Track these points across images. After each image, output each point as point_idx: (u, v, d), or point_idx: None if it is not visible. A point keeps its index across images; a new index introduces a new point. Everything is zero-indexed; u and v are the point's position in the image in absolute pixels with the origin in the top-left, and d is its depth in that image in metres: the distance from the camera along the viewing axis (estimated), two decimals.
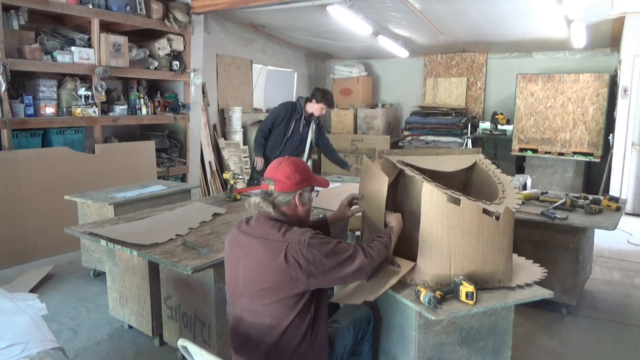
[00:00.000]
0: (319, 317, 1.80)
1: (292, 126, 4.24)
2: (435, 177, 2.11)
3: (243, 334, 1.80)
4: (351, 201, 2.26)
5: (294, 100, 4.25)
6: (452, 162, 2.36)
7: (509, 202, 2.02)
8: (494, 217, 1.95)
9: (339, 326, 1.98)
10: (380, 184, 2.05)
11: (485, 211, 1.92)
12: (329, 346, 1.86)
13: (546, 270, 2.15)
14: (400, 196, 2.23)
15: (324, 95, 4.15)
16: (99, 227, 2.84)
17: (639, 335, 3.04)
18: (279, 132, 4.26)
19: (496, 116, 7.51)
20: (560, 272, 3.13)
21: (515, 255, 2.25)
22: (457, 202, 1.90)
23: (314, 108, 4.18)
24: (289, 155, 4.32)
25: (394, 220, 2.03)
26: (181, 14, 5.59)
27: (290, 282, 1.67)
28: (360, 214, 2.31)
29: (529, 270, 2.16)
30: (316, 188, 1.93)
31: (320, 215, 2.36)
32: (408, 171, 2.11)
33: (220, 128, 7.08)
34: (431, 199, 1.92)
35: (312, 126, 4.33)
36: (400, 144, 8.54)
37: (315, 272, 1.67)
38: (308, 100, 4.22)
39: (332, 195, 3.10)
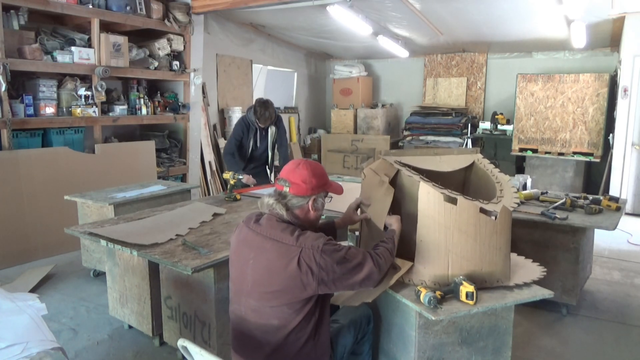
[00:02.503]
0: (323, 319, 1.80)
1: (252, 141, 4.23)
2: (433, 177, 2.11)
3: (246, 333, 1.80)
4: (359, 205, 2.23)
5: (245, 114, 4.23)
6: (450, 162, 2.36)
7: (507, 201, 2.02)
8: (491, 217, 1.94)
9: (339, 326, 1.97)
10: (386, 194, 2.05)
11: (482, 210, 1.92)
12: (330, 346, 1.86)
13: (545, 269, 2.15)
14: (397, 196, 2.22)
15: (255, 110, 4.07)
16: (99, 227, 2.84)
17: (639, 335, 3.04)
18: (244, 148, 4.26)
19: (496, 116, 7.51)
20: (560, 272, 3.13)
21: (514, 255, 2.26)
22: (454, 201, 1.90)
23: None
24: (255, 165, 4.33)
25: (395, 222, 2.02)
26: (181, 14, 5.59)
27: (301, 287, 1.67)
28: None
29: (528, 269, 2.16)
30: (330, 194, 1.92)
31: (326, 217, 2.35)
32: (405, 171, 2.11)
33: (220, 128, 7.08)
34: (428, 199, 1.92)
35: (271, 131, 4.30)
36: (400, 144, 8.54)
37: (326, 279, 1.66)
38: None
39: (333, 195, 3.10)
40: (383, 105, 8.88)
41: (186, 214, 3.15)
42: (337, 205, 2.40)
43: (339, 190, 1.95)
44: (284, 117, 8.55)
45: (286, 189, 1.79)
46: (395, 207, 2.12)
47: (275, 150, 4.45)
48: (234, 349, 1.87)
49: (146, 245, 2.49)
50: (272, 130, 4.33)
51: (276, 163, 4.53)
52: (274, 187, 1.89)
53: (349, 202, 2.26)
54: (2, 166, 4.14)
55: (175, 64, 5.74)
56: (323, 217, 2.47)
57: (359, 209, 2.23)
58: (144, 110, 5.46)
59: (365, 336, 2.08)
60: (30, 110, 4.42)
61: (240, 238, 1.85)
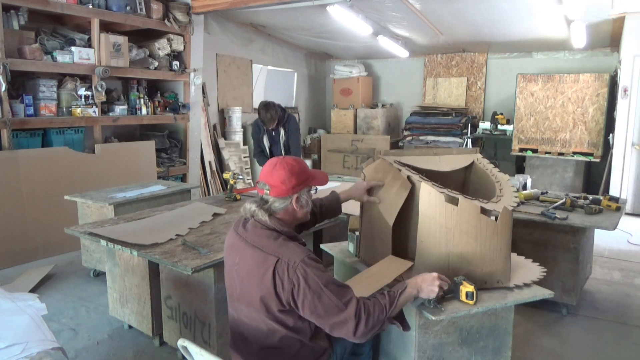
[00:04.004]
0: (319, 328, 1.76)
1: (265, 140, 4.51)
2: (433, 177, 2.11)
3: (241, 335, 1.80)
4: (371, 189, 2.11)
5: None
6: (449, 162, 2.35)
7: (506, 201, 2.02)
8: (492, 217, 1.94)
9: None
10: (401, 189, 2.03)
11: (482, 210, 1.92)
12: (329, 347, 1.86)
13: (545, 270, 2.15)
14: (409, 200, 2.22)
15: (260, 112, 4.31)
16: (99, 227, 2.84)
17: (639, 335, 3.04)
18: (262, 148, 4.57)
19: (496, 116, 7.51)
20: (560, 272, 3.13)
21: (514, 255, 2.25)
22: (454, 201, 1.89)
23: None
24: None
25: (413, 282, 1.70)
26: (181, 14, 5.59)
27: (276, 299, 1.61)
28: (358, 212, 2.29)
29: (528, 270, 2.16)
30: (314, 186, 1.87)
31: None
32: (405, 171, 2.10)
33: (220, 128, 7.08)
34: (429, 199, 1.92)
35: (281, 131, 4.48)
36: (400, 144, 8.54)
37: (296, 298, 1.57)
38: None
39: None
40: (383, 105, 8.88)
41: (186, 214, 3.15)
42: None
43: (324, 180, 1.88)
44: None
45: (267, 193, 1.74)
46: (407, 208, 2.09)
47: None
48: (231, 347, 1.88)
49: (146, 245, 2.49)
50: (282, 131, 4.46)
51: None
52: None
53: (352, 204, 2.24)
54: (2, 166, 4.14)
55: (175, 64, 5.74)
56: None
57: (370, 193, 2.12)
58: (144, 110, 5.46)
59: None
60: (30, 110, 4.42)
61: (229, 243, 1.83)
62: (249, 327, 1.75)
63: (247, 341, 1.77)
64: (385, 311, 1.60)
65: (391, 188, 2.10)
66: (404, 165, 2.17)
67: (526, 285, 2.01)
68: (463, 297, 1.82)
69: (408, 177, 2.07)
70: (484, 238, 1.91)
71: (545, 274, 2.11)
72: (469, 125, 7.85)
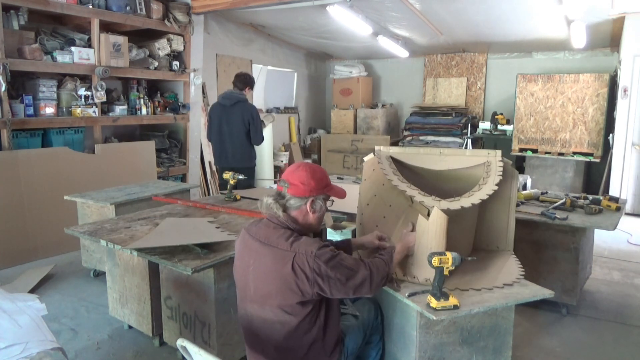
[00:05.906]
0: (330, 321, 1.82)
1: None
2: (429, 175, 2.14)
3: (255, 333, 1.84)
4: (381, 237, 2.19)
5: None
6: (450, 162, 2.35)
7: (484, 191, 2.06)
8: (427, 217, 2.00)
9: (349, 324, 2.00)
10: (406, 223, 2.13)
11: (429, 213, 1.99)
12: (341, 343, 1.89)
13: (523, 271, 2.13)
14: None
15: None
16: (99, 227, 2.83)
17: (639, 336, 3.04)
18: None
19: (496, 116, 7.51)
20: (560, 272, 3.13)
21: (511, 254, 2.25)
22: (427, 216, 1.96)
23: None
24: None
25: (400, 243, 2.05)
26: (181, 14, 5.58)
27: (297, 291, 1.69)
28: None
29: (505, 272, 2.15)
30: (332, 198, 1.92)
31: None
32: (396, 181, 2.13)
33: None
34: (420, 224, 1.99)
35: None
36: (400, 144, 8.54)
37: (322, 283, 1.69)
38: None
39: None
40: (383, 105, 8.88)
41: (198, 226, 3.00)
42: (343, 204, 2.40)
43: (341, 194, 1.93)
44: (284, 117, 8.55)
45: (285, 189, 1.81)
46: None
47: None
48: (248, 346, 1.91)
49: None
50: None
51: None
52: None
53: (351, 203, 2.26)
54: (2, 166, 4.14)
55: (175, 64, 5.74)
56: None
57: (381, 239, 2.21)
58: (144, 110, 5.46)
59: (374, 334, 2.12)
60: (30, 110, 4.42)
61: (242, 244, 1.88)
62: (263, 326, 1.79)
63: (260, 339, 1.81)
64: (387, 264, 1.88)
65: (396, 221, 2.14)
66: (397, 161, 2.19)
67: (488, 290, 2.00)
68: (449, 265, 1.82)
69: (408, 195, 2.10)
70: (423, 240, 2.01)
71: (523, 275, 2.10)
72: (469, 125, 7.84)
